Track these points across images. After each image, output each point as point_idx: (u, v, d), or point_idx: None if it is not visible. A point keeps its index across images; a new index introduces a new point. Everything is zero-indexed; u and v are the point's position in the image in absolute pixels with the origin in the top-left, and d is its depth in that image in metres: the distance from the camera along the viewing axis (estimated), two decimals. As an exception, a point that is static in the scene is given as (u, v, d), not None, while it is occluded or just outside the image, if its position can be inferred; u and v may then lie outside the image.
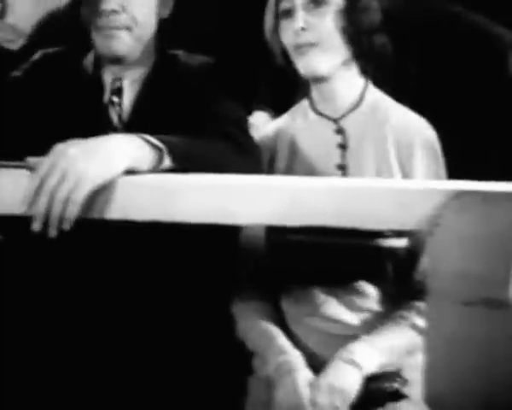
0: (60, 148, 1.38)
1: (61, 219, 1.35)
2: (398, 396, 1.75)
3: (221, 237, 1.72)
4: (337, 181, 1.35)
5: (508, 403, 1.17)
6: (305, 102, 1.83)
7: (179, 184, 1.35)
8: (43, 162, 1.37)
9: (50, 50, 1.91)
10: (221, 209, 1.30)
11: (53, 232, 1.36)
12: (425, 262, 1.71)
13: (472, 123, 1.95)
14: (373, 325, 1.74)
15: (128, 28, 1.77)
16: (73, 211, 1.34)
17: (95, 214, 1.37)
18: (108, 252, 1.77)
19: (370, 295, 1.74)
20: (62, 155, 1.37)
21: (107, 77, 1.84)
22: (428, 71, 1.96)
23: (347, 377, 1.65)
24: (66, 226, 1.35)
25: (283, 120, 1.87)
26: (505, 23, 2.00)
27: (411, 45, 1.88)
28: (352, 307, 1.74)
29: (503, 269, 1.16)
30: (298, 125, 1.82)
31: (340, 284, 1.74)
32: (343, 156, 1.76)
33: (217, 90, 1.80)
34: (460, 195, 1.17)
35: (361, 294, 1.74)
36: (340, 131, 1.77)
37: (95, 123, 1.76)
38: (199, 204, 1.31)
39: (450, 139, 1.74)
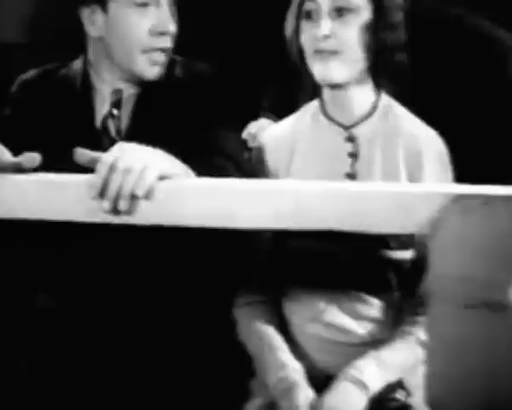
0: (122, 145, 1.43)
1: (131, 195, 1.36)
2: (402, 408, 1.74)
3: (225, 239, 1.72)
4: (339, 185, 1.35)
5: (509, 406, 1.16)
6: (315, 104, 1.81)
7: (183, 187, 1.35)
8: (109, 153, 1.40)
9: (27, 75, 1.91)
10: (224, 213, 1.30)
11: (124, 206, 1.36)
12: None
13: (473, 126, 1.94)
14: (376, 333, 1.73)
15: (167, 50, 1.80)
16: (143, 189, 1.35)
17: (97, 218, 1.38)
18: (111, 255, 1.77)
19: (373, 303, 1.73)
20: (126, 149, 1.41)
21: (104, 88, 1.84)
22: (429, 74, 1.96)
23: (352, 399, 1.64)
24: (142, 195, 1.35)
25: (291, 121, 1.84)
26: (507, 26, 2.00)
27: (412, 48, 1.88)
28: (355, 315, 1.73)
29: (504, 272, 1.16)
30: (307, 128, 1.80)
31: (343, 292, 1.73)
32: (353, 165, 1.74)
33: (215, 111, 1.81)
34: (461, 198, 1.17)
35: (364, 302, 1.73)
36: (351, 139, 1.75)
37: (92, 138, 1.77)
38: (202, 208, 1.31)
39: (451, 142, 1.73)
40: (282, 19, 1.76)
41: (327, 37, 1.67)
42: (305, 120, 1.80)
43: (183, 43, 1.82)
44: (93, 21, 1.78)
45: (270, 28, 1.78)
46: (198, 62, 1.87)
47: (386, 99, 1.77)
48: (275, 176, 1.78)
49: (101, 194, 1.36)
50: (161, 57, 1.78)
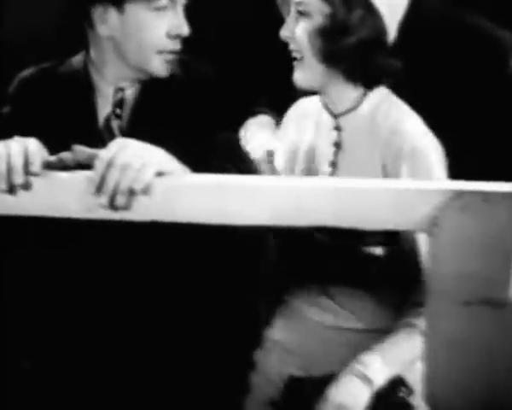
0: (120, 141, 1.44)
1: (129, 193, 1.37)
2: (404, 407, 1.74)
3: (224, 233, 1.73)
4: (338, 182, 1.34)
5: (508, 403, 1.17)
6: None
7: (181, 184, 1.36)
8: (107, 149, 1.41)
9: (26, 74, 1.90)
10: (222, 210, 1.31)
11: (121, 201, 1.36)
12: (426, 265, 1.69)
13: (473, 124, 1.94)
14: (371, 322, 1.74)
15: None
16: (141, 184, 1.36)
17: (95, 215, 1.38)
18: (110, 252, 1.78)
19: (363, 294, 1.75)
20: (124, 145, 1.42)
21: (106, 86, 1.84)
22: (430, 73, 1.96)
23: (357, 393, 1.64)
24: (140, 190, 1.36)
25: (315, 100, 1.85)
26: (507, 25, 2.00)
27: (413, 48, 1.88)
28: (345, 306, 1.75)
29: (502, 269, 1.16)
30: (315, 111, 1.81)
31: (331, 285, 1.74)
32: (336, 154, 1.75)
33: (215, 110, 1.82)
34: (460, 195, 1.17)
35: (354, 293, 1.75)
36: (337, 128, 1.76)
37: (95, 137, 1.77)
38: (200, 204, 1.31)
39: (452, 140, 1.73)
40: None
41: (286, 38, 1.69)
42: (311, 105, 1.83)
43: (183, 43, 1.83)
44: (105, 20, 1.78)
45: (270, 26, 1.78)
46: (197, 62, 1.88)
47: (380, 94, 1.76)
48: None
49: (99, 189, 1.36)
50: (173, 57, 1.81)
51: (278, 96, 1.95)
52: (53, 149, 1.48)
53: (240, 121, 1.92)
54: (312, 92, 1.79)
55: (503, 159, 1.94)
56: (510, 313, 1.16)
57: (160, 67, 1.80)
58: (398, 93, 1.77)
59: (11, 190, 1.38)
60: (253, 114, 2.06)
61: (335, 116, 1.75)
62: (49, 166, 1.43)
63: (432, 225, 1.18)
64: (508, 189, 1.17)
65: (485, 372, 1.19)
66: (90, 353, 1.83)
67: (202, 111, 1.81)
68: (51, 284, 1.86)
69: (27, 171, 1.39)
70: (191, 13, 1.84)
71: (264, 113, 2.12)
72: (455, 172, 1.69)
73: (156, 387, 1.82)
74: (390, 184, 1.30)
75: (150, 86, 1.83)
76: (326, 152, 1.75)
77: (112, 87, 1.83)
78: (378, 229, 1.29)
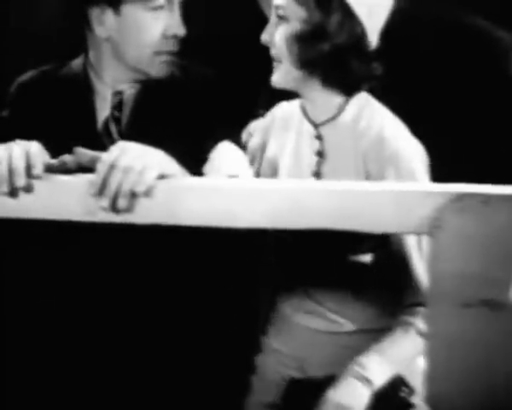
0: (121, 144, 1.44)
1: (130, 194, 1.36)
2: (405, 407, 1.75)
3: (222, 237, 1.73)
4: (337, 184, 1.35)
5: (507, 404, 1.17)
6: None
7: (182, 187, 1.36)
8: (109, 152, 1.41)
9: (25, 77, 1.91)
10: (223, 212, 1.31)
11: (123, 204, 1.36)
12: (418, 268, 1.69)
13: (473, 126, 1.94)
14: (363, 323, 1.75)
15: None
16: (143, 187, 1.36)
17: (96, 218, 1.38)
18: (111, 254, 1.78)
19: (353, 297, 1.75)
20: (126, 148, 1.41)
21: (104, 89, 1.85)
22: (428, 74, 1.96)
23: (356, 394, 1.64)
24: (142, 193, 1.36)
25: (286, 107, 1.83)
26: (506, 26, 2.00)
27: (412, 49, 1.88)
28: (335, 310, 1.75)
29: (502, 271, 1.17)
30: (296, 117, 1.79)
31: (318, 290, 1.75)
32: (319, 164, 1.73)
33: (214, 113, 1.83)
34: (460, 197, 1.18)
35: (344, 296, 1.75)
36: (318, 137, 1.74)
37: (94, 140, 1.77)
38: (201, 207, 1.32)
39: (451, 141, 1.73)
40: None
41: (266, 42, 1.68)
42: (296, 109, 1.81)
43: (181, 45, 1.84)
44: (102, 21, 1.79)
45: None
46: (197, 64, 1.88)
47: (361, 100, 1.73)
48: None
49: (101, 192, 1.36)
50: (170, 58, 1.82)
51: (279, 99, 1.95)
52: (52, 152, 1.49)
53: (240, 124, 1.92)
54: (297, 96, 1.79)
55: (502, 161, 1.93)
56: (510, 314, 1.17)
57: (157, 67, 1.81)
58: (394, 95, 1.76)
59: (13, 192, 1.38)
60: (254, 116, 2.06)
61: (316, 125, 1.74)
62: (50, 169, 1.44)
63: (432, 228, 1.19)
64: (507, 191, 1.18)
65: (485, 373, 1.19)
66: (91, 354, 1.84)
67: (202, 113, 1.82)
68: (52, 287, 1.86)
69: (29, 174, 1.39)
70: (190, 14, 1.84)
71: (265, 115, 2.12)
72: (454, 174, 1.69)
73: (157, 389, 1.82)
74: (390, 186, 1.31)
75: (149, 88, 1.84)
76: (309, 162, 1.74)
77: (110, 90, 1.84)
78: (372, 233, 1.28)
